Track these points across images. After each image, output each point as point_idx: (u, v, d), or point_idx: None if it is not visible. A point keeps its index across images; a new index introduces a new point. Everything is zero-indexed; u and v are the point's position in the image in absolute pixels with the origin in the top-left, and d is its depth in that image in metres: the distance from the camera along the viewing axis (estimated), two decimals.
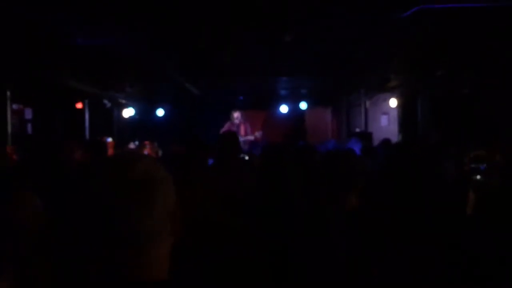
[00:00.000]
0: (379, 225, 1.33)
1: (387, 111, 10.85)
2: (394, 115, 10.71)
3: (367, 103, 11.03)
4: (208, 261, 1.84)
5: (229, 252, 1.89)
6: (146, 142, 8.09)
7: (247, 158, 6.51)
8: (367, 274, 1.19)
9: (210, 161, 4.22)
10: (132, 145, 8.48)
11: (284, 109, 11.52)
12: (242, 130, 9.76)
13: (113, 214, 0.94)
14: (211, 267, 1.84)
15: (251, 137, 9.70)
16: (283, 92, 11.35)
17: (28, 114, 8.33)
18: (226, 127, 9.63)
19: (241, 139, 9.35)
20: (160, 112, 11.66)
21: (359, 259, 1.24)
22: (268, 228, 2.04)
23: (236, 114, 9.86)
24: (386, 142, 7.33)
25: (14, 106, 7.64)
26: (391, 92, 10.29)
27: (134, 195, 0.95)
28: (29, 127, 8.32)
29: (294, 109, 11.57)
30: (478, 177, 2.92)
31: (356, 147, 6.32)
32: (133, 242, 0.95)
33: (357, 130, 10.92)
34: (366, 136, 9.80)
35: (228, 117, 10.08)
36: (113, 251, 0.95)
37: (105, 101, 10.42)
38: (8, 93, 7.20)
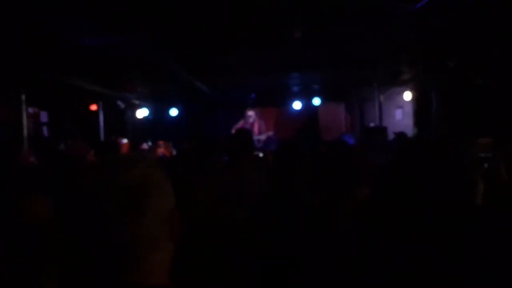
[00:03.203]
0: (388, 221, 1.30)
1: (401, 105, 10.71)
2: (409, 108, 10.57)
3: (381, 97, 10.90)
4: (216, 261, 1.83)
5: (238, 253, 1.87)
6: (160, 142, 8.09)
7: (261, 155, 6.51)
8: (374, 271, 1.16)
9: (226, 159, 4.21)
10: (145, 146, 8.51)
11: (297, 105, 11.46)
12: (256, 128, 9.77)
13: (108, 220, 0.91)
14: (219, 268, 1.82)
15: (263, 136, 9.71)
16: (295, 88, 11.28)
17: (44, 117, 8.44)
18: (239, 125, 9.65)
19: (255, 137, 9.37)
20: (173, 112, 11.64)
21: (367, 257, 1.22)
22: (276, 228, 2.02)
23: (250, 113, 9.88)
24: (401, 135, 7.26)
25: (30, 110, 7.74)
26: (405, 85, 10.16)
27: (129, 200, 0.92)
28: (44, 130, 8.42)
29: (307, 105, 11.50)
30: (485, 165, 2.89)
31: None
32: (129, 248, 0.93)
33: (372, 124, 10.80)
34: (381, 130, 9.69)
35: (241, 115, 10.09)
36: (109, 257, 0.93)
37: (119, 102, 10.50)
38: (24, 97, 7.30)
